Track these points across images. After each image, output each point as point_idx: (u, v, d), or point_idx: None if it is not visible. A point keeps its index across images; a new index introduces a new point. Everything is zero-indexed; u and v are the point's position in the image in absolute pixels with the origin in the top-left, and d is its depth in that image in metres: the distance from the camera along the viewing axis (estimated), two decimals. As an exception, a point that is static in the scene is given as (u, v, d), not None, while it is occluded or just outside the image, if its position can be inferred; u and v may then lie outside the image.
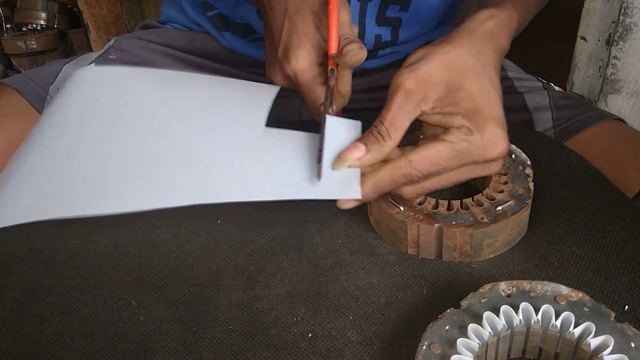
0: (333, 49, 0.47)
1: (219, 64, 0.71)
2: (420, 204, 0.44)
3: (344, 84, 0.49)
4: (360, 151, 0.41)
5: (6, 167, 0.50)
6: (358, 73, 0.64)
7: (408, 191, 0.42)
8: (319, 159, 0.42)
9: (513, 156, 0.48)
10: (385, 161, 0.42)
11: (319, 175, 0.41)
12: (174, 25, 0.75)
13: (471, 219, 0.42)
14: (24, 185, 0.47)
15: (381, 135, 0.41)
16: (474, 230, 0.41)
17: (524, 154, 0.49)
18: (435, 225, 0.42)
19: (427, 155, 0.40)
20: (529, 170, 0.46)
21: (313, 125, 0.56)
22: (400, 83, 0.40)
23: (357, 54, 0.46)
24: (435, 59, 0.41)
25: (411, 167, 0.40)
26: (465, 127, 0.40)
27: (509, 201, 0.43)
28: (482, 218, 0.42)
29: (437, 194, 0.44)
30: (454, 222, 0.42)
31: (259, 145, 0.46)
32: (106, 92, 0.51)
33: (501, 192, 0.44)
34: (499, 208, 0.43)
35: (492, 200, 0.43)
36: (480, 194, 0.44)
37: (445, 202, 0.43)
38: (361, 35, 0.65)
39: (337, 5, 0.47)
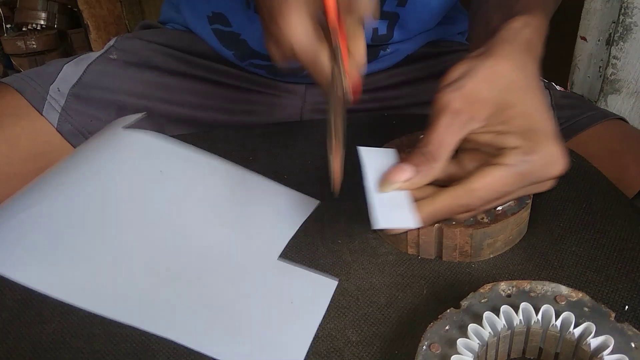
0: (332, 19, 0.39)
1: (220, 65, 0.71)
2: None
3: (357, 43, 0.42)
4: (407, 173, 0.39)
5: (11, 200, 0.45)
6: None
7: (463, 216, 0.40)
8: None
9: None
10: (432, 184, 0.40)
11: None
12: (174, 25, 0.75)
13: (471, 219, 0.42)
14: (22, 240, 0.42)
15: (429, 156, 0.39)
16: (474, 231, 0.41)
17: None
18: (435, 225, 0.41)
19: (489, 183, 0.38)
20: (529, 170, 0.46)
21: (315, 125, 0.56)
22: (447, 103, 0.38)
23: None
24: (479, 74, 0.38)
25: (472, 196, 0.38)
26: (522, 147, 0.38)
27: (509, 201, 0.43)
28: (482, 218, 0.42)
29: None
30: (454, 222, 0.42)
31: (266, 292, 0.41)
32: (138, 167, 0.46)
33: (501, 192, 0.44)
34: (499, 208, 0.43)
35: (492, 200, 0.43)
36: (481, 194, 0.44)
37: (446, 202, 0.43)
38: None
39: None
